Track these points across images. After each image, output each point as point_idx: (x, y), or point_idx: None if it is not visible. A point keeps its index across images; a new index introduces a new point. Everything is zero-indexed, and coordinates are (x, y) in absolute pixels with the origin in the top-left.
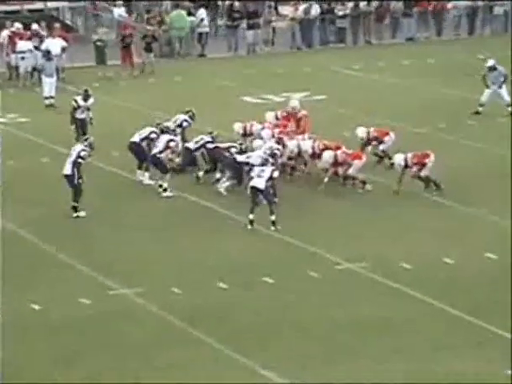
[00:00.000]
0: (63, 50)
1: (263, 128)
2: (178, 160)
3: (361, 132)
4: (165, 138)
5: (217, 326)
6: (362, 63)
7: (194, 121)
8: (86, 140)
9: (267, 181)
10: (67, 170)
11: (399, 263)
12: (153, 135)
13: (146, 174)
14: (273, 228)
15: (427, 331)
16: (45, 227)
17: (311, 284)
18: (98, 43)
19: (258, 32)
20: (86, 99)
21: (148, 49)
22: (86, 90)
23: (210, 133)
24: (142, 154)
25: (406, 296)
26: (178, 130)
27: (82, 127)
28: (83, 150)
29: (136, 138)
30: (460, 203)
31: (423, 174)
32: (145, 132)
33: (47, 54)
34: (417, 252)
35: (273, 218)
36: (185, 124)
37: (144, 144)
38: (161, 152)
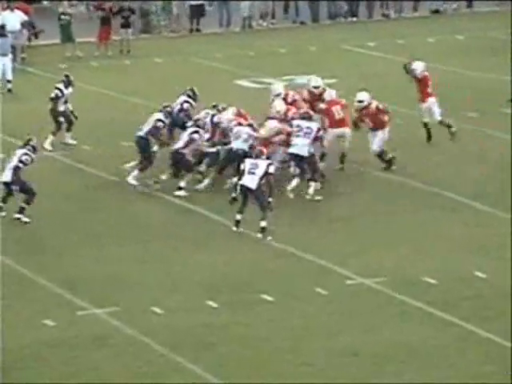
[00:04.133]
0: (23, 25)
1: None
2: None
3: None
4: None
5: (203, 353)
6: (378, 41)
7: (196, 101)
8: (28, 142)
9: (261, 178)
10: (6, 176)
11: (422, 278)
12: (159, 124)
13: (135, 173)
14: (259, 235)
15: (457, 359)
16: (2, 237)
17: (317, 303)
18: (62, 17)
19: (255, 3)
20: (67, 86)
21: (125, 24)
22: (67, 76)
23: (215, 106)
24: (145, 150)
25: (430, 317)
26: (181, 115)
27: (66, 121)
28: (25, 154)
29: (142, 132)
30: (494, 207)
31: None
32: (150, 121)
33: (1, 30)
34: (443, 264)
35: (263, 224)
36: (186, 106)
37: (150, 137)
38: (184, 147)
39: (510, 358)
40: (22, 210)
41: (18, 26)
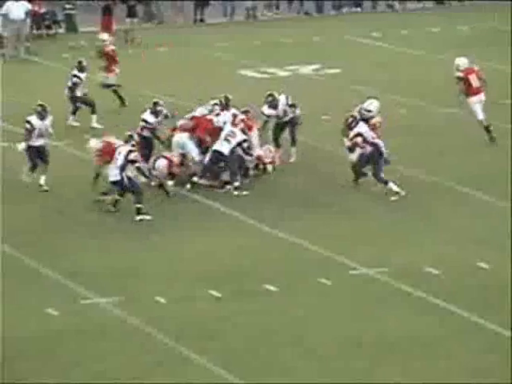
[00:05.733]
0: (27, 14)
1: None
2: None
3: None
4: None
5: (208, 343)
6: (382, 31)
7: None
8: (130, 138)
9: (235, 147)
10: (115, 176)
11: (426, 268)
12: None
13: None
14: (234, 191)
15: (460, 350)
16: (6, 226)
17: (322, 293)
18: (67, 6)
19: None
20: (82, 72)
21: (131, 13)
22: (79, 62)
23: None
24: None
25: (433, 308)
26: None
27: (88, 105)
28: (131, 152)
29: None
30: (496, 197)
31: None
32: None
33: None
34: (446, 255)
35: (236, 184)
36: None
37: None
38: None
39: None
40: (139, 211)
41: (22, 15)
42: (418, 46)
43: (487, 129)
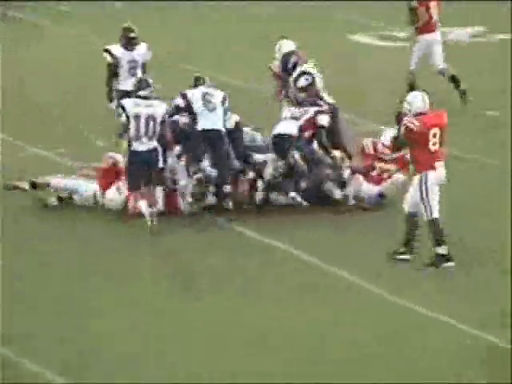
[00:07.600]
0: None
1: None
2: None
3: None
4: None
5: None
6: None
7: None
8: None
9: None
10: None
11: None
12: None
13: None
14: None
15: None
16: None
17: (430, 361)
18: None
19: None
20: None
21: None
22: (126, 30)
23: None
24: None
25: None
26: None
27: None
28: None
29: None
30: None
31: None
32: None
33: None
34: None
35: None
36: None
37: None
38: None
39: None
40: None
41: None
42: None
43: (454, 80)
